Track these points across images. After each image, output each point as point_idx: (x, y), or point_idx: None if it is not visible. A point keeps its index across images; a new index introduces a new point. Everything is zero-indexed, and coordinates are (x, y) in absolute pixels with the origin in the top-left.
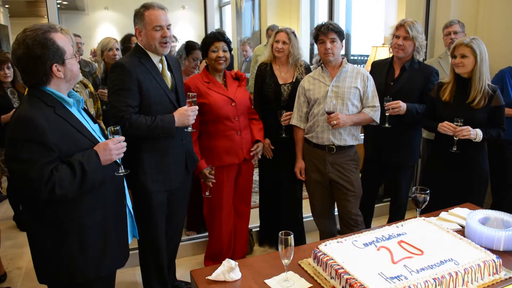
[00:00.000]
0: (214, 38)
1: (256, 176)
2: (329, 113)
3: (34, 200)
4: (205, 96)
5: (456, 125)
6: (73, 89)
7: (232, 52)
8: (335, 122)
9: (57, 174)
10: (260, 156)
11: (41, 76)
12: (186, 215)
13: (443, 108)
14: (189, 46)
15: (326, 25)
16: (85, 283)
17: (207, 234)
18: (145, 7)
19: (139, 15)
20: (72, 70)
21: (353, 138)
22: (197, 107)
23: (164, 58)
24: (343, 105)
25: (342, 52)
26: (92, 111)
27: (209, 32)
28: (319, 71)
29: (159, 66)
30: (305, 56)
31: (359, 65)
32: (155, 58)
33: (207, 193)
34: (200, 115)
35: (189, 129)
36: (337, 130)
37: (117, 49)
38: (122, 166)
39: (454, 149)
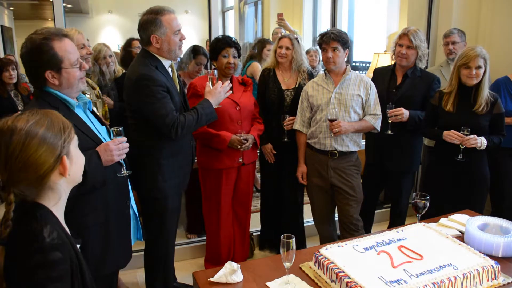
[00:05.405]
0: (226, 43)
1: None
2: (331, 121)
3: None
4: None
5: (463, 133)
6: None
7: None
8: (337, 129)
9: None
10: (245, 148)
11: (37, 79)
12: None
13: (447, 117)
14: (194, 50)
15: (328, 33)
16: None
17: None
18: (158, 12)
19: (156, 22)
20: (68, 79)
21: (355, 144)
22: (221, 82)
23: (173, 64)
24: (346, 112)
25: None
26: (100, 113)
27: (213, 37)
28: (323, 77)
29: (169, 71)
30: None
31: (361, 72)
32: (166, 64)
33: (240, 159)
34: None
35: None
36: (339, 136)
37: (110, 56)
38: (124, 167)
39: (460, 157)
